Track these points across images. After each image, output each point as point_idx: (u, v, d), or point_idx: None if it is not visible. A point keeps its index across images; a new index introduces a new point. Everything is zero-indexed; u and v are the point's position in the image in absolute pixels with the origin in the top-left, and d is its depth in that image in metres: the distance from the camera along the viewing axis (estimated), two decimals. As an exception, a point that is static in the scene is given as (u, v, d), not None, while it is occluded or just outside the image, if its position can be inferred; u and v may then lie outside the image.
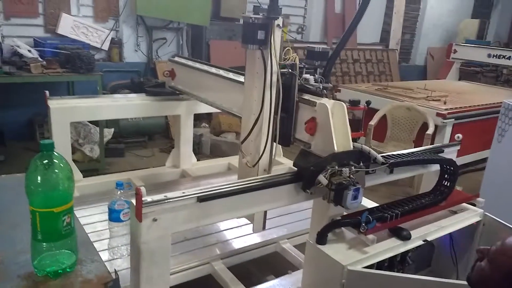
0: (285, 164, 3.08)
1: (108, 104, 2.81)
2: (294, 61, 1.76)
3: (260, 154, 1.84)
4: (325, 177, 1.50)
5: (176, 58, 2.85)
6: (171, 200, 1.35)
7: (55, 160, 1.11)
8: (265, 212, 1.99)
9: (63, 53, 4.28)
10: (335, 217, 1.64)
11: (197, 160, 3.35)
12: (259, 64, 1.77)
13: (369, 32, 8.07)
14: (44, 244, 1.13)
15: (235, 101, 2.12)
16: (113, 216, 2.00)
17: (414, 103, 4.58)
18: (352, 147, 1.62)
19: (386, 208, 1.72)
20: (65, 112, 2.62)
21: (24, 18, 4.81)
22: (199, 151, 4.93)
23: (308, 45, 1.90)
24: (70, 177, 1.14)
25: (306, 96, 1.77)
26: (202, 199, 1.40)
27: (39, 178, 1.09)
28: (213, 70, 2.42)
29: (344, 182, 1.48)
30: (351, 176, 1.51)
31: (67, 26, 5.01)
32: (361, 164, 1.60)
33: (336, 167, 1.52)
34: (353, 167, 1.54)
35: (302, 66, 1.82)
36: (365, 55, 7.92)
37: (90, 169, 4.26)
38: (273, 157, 1.87)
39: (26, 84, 4.27)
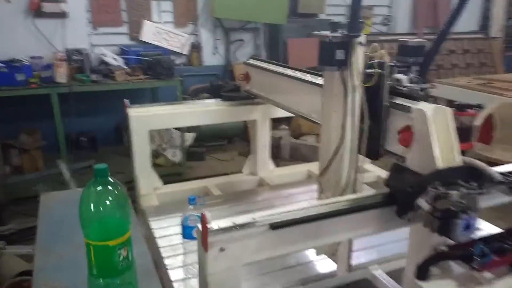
0: (372, 172, 2.77)
1: (184, 111, 2.76)
2: (383, 58, 1.49)
3: (342, 189, 1.60)
4: (426, 201, 1.22)
5: (251, 61, 2.70)
6: (240, 227, 1.19)
7: (109, 187, 1.00)
8: (350, 249, 1.74)
9: (146, 60, 4.40)
10: (440, 247, 1.35)
11: (276, 165, 3.19)
12: (337, 86, 1.54)
13: (466, 19, 7.21)
14: (101, 280, 1.02)
15: (313, 105, 1.89)
16: (186, 232, 1.90)
17: (528, 99, 3.94)
18: (460, 162, 1.31)
19: (506, 236, 1.38)
20: (144, 120, 2.62)
21: (110, 27, 5.05)
22: (277, 155, 4.77)
23: (395, 37, 1.60)
24: (126, 205, 1.02)
25: (399, 100, 1.49)
26: (275, 226, 1.21)
27: (92, 208, 0.98)
28: (289, 72, 2.22)
29: (452, 208, 1.19)
30: (462, 200, 1.21)
31: (149, 32, 5.16)
32: (473, 183, 1.28)
33: (441, 189, 1.23)
34: (463, 189, 1.23)
35: (393, 64, 1.54)
36: (463, 45, 7.11)
37: (172, 173, 4.34)
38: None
39: (113, 91, 4.46)
